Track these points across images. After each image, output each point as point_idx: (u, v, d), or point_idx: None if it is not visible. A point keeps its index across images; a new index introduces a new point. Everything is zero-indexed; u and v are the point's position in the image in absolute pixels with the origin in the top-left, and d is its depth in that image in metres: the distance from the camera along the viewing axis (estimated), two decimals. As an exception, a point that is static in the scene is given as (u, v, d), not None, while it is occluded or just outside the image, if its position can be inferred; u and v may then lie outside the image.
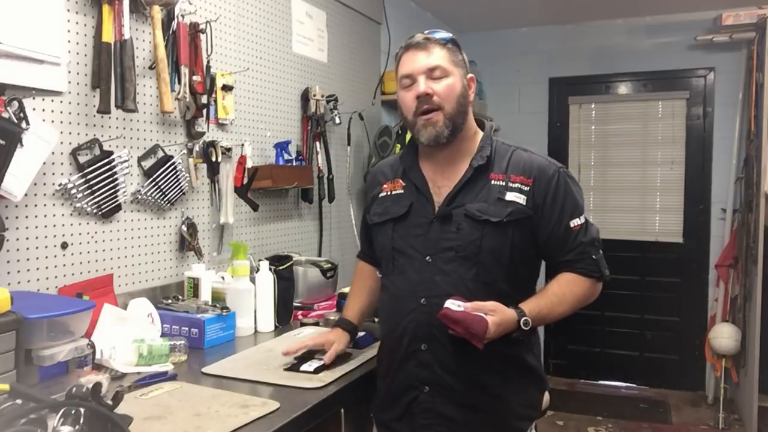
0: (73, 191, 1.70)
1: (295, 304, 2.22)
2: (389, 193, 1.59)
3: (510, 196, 1.45)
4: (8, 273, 1.56)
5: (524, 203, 1.45)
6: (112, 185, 1.79)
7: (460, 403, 1.44)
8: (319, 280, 2.34)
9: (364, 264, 1.79)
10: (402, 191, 1.56)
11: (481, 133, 1.56)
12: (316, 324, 2.09)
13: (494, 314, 1.34)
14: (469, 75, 1.54)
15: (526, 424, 1.51)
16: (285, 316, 2.11)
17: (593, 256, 1.48)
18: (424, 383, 1.46)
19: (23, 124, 1.48)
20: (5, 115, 1.45)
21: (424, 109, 1.46)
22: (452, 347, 1.42)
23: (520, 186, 1.46)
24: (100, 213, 1.78)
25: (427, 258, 1.46)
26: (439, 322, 1.36)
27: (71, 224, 1.72)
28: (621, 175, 4.50)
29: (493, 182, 1.48)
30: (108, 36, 1.71)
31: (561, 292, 1.47)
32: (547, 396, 1.58)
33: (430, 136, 1.47)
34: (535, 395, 1.53)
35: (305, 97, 2.72)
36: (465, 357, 1.42)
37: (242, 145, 2.27)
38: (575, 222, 1.48)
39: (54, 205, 1.67)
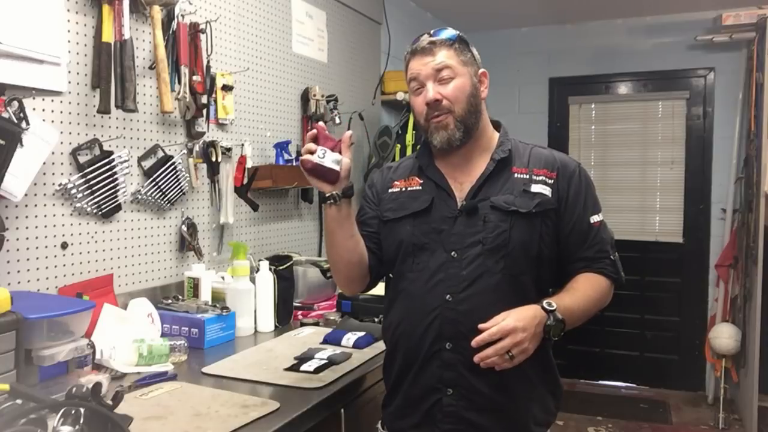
0: (73, 191, 1.70)
1: (295, 304, 2.22)
2: (403, 189, 1.54)
3: (535, 188, 1.44)
4: (8, 273, 1.56)
5: (550, 195, 1.44)
6: (112, 185, 1.79)
7: (484, 408, 1.39)
8: (319, 280, 2.34)
9: None
10: (419, 188, 1.52)
11: (497, 133, 1.55)
12: (316, 324, 2.09)
13: (509, 316, 1.29)
14: (481, 70, 1.52)
15: (543, 430, 1.47)
16: (285, 316, 2.11)
17: (611, 257, 1.47)
18: (448, 385, 1.40)
19: (23, 124, 1.48)
20: (5, 115, 1.45)
21: (435, 115, 1.45)
22: (478, 346, 1.36)
23: (544, 179, 1.45)
24: (100, 213, 1.78)
25: (452, 253, 1.42)
26: (467, 319, 1.34)
27: (71, 224, 1.72)
28: (621, 175, 4.50)
29: (516, 175, 1.46)
30: (108, 36, 1.71)
31: (583, 287, 1.43)
32: None
33: (443, 140, 1.45)
34: (552, 400, 1.49)
35: (305, 97, 2.72)
36: None
37: (242, 145, 2.27)
38: (595, 218, 1.47)
39: (54, 205, 1.67)
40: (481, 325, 1.30)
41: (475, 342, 1.30)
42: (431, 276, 1.43)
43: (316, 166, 1.38)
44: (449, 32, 1.49)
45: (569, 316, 1.35)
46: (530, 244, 1.41)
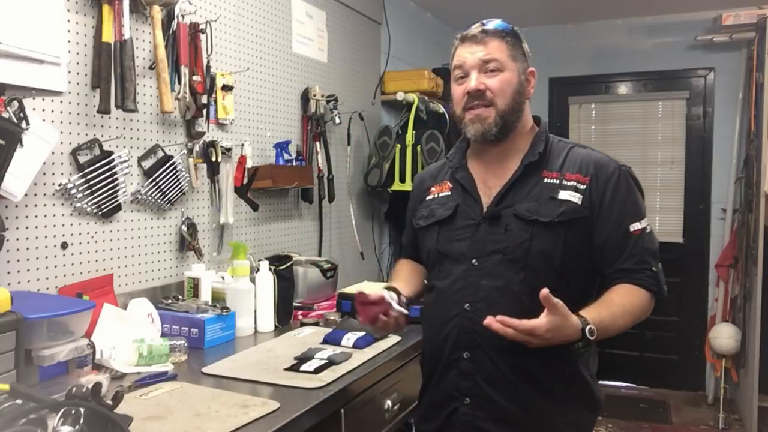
0: (73, 191, 1.70)
1: (295, 304, 2.22)
2: (436, 195, 1.51)
3: (563, 194, 1.36)
4: (8, 273, 1.56)
5: (579, 202, 1.35)
6: (112, 185, 1.79)
7: (501, 419, 1.36)
8: (319, 280, 2.34)
9: (406, 260, 1.70)
10: (449, 193, 1.48)
11: (536, 129, 1.47)
12: (316, 324, 2.09)
13: (552, 321, 1.20)
14: (530, 69, 1.45)
15: None
16: (285, 316, 2.11)
17: (653, 268, 1.36)
18: (465, 394, 1.39)
19: (23, 124, 1.48)
20: (5, 115, 1.45)
21: (475, 105, 1.39)
22: (496, 357, 1.34)
23: (575, 184, 1.36)
24: (100, 213, 1.78)
25: (474, 261, 1.38)
26: (483, 330, 1.30)
27: (71, 224, 1.72)
28: (621, 175, 4.49)
29: (545, 180, 1.38)
30: (108, 36, 1.71)
31: (622, 302, 1.32)
32: None
33: (477, 132, 1.39)
34: (585, 415, 1.42)
35: (305, 97, 2.72)
36: (509, 368, 1.34)
37: (242, 145, 2.27)
38: (636, 226, 1.36)
39: (54, 205, 1.67)
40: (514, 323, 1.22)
41: (497, 319, 1.23)
42: (453, 283, 1.41)
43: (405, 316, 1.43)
44: (502, 23, 1.43)
45: (602, 336, 1.27)
46: (552, 254, 1.34)
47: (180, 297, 1.97)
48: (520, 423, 1.36)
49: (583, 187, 1.37)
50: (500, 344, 1.31)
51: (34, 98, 1.59)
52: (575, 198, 1.36)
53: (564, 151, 1.43)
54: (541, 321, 1.21)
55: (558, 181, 1.38)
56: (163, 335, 1.78)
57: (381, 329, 1.43)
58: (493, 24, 1.43)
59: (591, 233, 1.37)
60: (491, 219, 1.39)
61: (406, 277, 1.61)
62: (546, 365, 1.34)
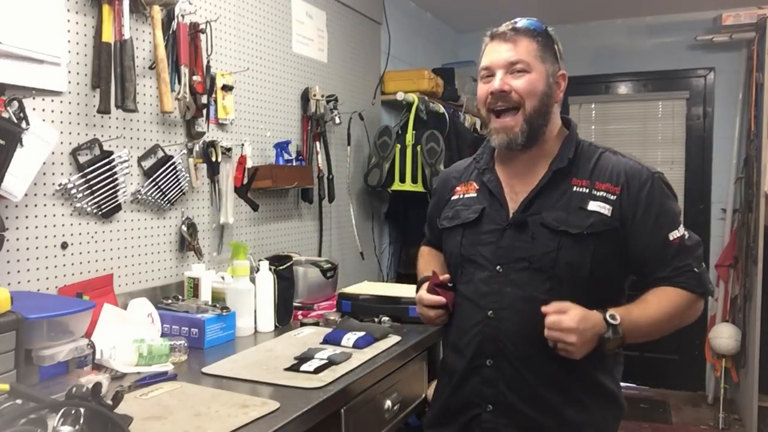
0: (73, 191, 1.70)
1: (295, 304, 2.22)
2: (461, 196, 1.49)
3: (593, 205, 1.32)
4: (8, 273, 1.56)
5: (609, 214, 1.32)
6: (112, 185, 1.79)
7: (525, 427, 1.35)
8: (319, 280, 2.34)
9: (429, 248, 1.70)
10: (475, 195, 1.45)
11: (566, 133, 1.43)
12: (316, 324, 2.09)
13: (574, 312, 1.23)
14: (561, 72, 1.41)
15: None
16: (285, 316, 2.11)
17: (695, 269, 1.32)
18: (488, 401, 1.37)
19: (23, 124, 1.48)
20: (5, 115, 1.45)
21: (500, 108, 1.35)
22: (521, 365, 1.33)
23: (605, 194, 1.33)
24: (100, 213, 1.78)
25: (498, 268, 1.36)
26: (507, 338, 1.31)
27: (71, 224, 1.72)
28: (621, 175, 4.49)
29: (575, 189, 1.34)
30: (108, 36, 1.71)
31: (656, 300, 1.31)
32: None
33: (502, 142, 1.37)
34: (609, 423, 1.41)
35: (305, 97, 2.72)
36: (533, 376, 1.34)
37: (242, 145, 2.27)
38: (674, 234, 1.32)
39: (54, 205, 1.67)
40: (544, 308, 1.26)
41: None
42: (476, 289, 1.39)
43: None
44: (534, 22, 1.39)
45: (634, 331, 1.27)
46: (580, 266, 1.32)
47: (180, 297, 1.97)
48: (543, 430, 1.35)
49: (613, 197, 1.33)
50: (525, 352, 1.32)
51: (34, 98, 1.59)
52: (605, 210, 1.32)
53: (594, 156, 1.39)
54: (568, 316, 1.23)
55: (587, 190, 1.34)
56: (163, 335, 1.78)
57: (435, 317, 1.45)
58: (524, 22, 1.38)
59: (622, 245, 1.34)
60: (517, 226, 1.36)
61: (431, 257, 1.65)
62: (572, 373, 1.33)
